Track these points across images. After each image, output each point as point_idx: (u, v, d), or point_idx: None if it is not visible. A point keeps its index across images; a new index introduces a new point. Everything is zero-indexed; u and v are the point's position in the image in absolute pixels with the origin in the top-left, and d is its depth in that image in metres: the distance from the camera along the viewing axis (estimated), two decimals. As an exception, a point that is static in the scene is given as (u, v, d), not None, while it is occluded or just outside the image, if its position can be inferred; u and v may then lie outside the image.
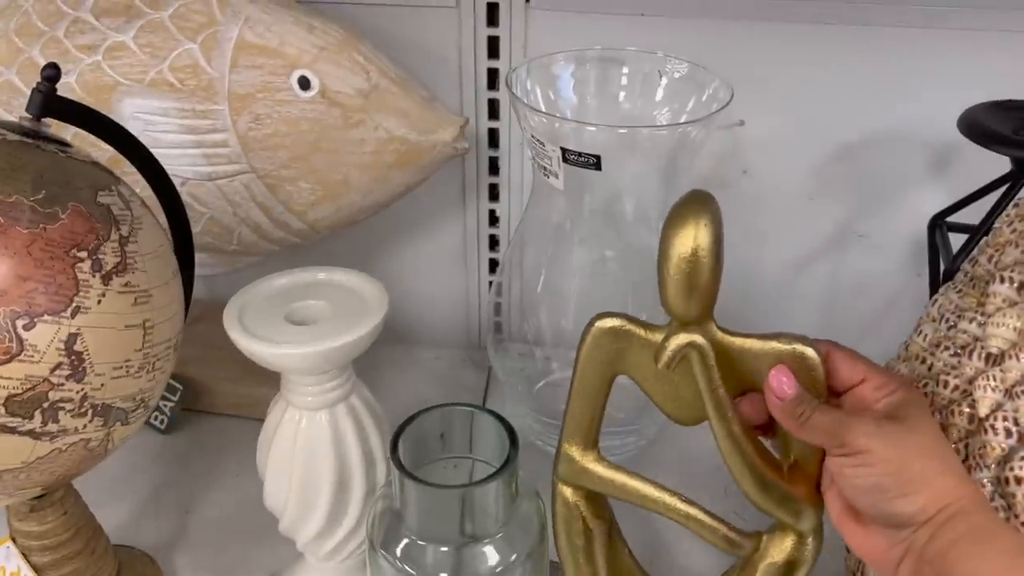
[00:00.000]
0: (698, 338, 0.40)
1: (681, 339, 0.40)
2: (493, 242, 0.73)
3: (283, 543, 0.58)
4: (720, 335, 0.40)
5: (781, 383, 0.39)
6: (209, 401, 0.68)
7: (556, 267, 0.61)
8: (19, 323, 0.35)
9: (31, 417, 0.36)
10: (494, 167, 0.69)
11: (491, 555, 0.42)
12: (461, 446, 0.45)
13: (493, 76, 0.65)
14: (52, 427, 0.37)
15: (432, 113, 0.58)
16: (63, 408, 0.37)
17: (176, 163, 0.59)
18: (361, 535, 0.48)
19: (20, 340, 0.35)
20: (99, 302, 0.37)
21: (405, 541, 0.42)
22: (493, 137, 0.68)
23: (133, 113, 0.58)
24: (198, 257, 0.55)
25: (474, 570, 0.42)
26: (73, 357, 0.37)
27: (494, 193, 0.70)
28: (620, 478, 0.43)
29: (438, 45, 0.63)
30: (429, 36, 0.63)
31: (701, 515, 0.42)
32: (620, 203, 0.58)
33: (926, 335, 0.42)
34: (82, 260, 0.37)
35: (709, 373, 0.40)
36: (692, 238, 0.37)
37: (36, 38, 0.58)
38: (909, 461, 0.36)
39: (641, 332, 0.41)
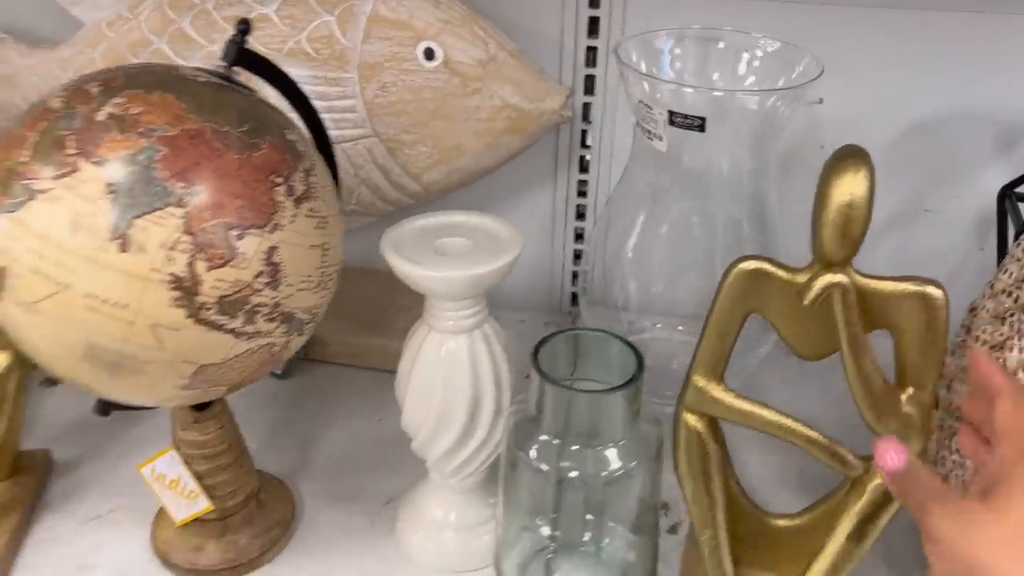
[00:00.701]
0: (843, 278, 0.44)
1: (828, 279, 0.44)
2: (580, 212, 0.78)
3: (396, 475, 0.64)
4: (857, 277, 0.45)
5: (889, 457, 0.37)
6: (321, 351, 0.74)
7: (648, 232, 0.66)
8: (232, 233, 0.41)
9: (235, 317, 0.42)
10: (586, 141, 0.74)
11: (613, 459, 0.47)
12: (586, 369, 0.50)
13: (591, 54, 0.70)
14: (249, 328, 0.43)
15: (542, 83, 0.64)
16: (259, 312, 0.43)
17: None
18: (485, 453, 0.54)
19: (233, 248, 0.41)
20: (291, 222, 0.43)
21: (540, 440, 0.47)
22: (586, 112, 0.73)
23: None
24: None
25: (597, 469, 0.47)
26: (271, 267, 0.42)
27: (584, 165, 0.76)
28: (747, 406, 0.48)
29: (541, 24, 0.69)
30: (533, 16, 0.68)
31: (820, 438, 0.47)
32: (711, 171, 0.63)
33: (1011, 272, 0.47)
34: (278, 184, 0.43)
35: (848, 312, 0.44)
36: (850, 187, 0.42)
37: (187, 10, 0.64)
38: (983, 559, 0.31)
39: (782, 273, 0.46)
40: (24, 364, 0.55)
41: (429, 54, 0.62)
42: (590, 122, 0.73)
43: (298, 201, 0.44)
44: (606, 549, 0.54)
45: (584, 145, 0.75)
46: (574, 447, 0.47)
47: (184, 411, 0.53)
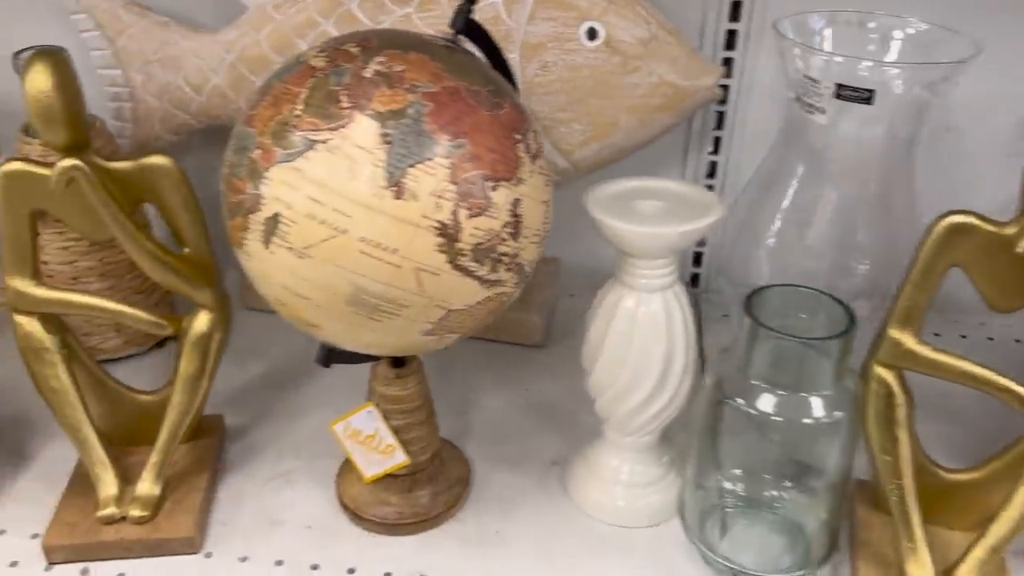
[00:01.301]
0: None
1: None
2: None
3: (554, 440, 0.67)
4: None
5: None
6: (461, 325, 0.76)
7: (793, 210, 0.69)
8: (488, 184, 0.43)
9: (483, 264, 0.44)
10: (719, 122, 0.77)
11: (817, 407, 0.50)
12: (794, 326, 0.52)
13: (731, 37, 0.73)
14: (492, 276, 0.45)
15: (697, 61, 0.66)
16: (502, 261, 0.45)
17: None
18: (671, 409, 0.56)
19: (488, 198, 0.43)
20: (530, 176, 0.46)
21: (749, 385, 0.50)
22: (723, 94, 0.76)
23: (432, 60, 0.67)
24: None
25: (802, 416, 0.50)
26: (515, 218, 0.45)
27: (716, 146, 0.78)
28: (944, 358, 0.51)
29: (682, 8, 0.71)
30: (676, 0, 0.71)
31: (1017, 387, 0.50)
32: (864, 147, 0.65)
33: None
34: (519, 141, 0.45)
35: None
36: None
37: (357, -8, 0.67)
38: None
39: (990, 227, 0.48)
40: (227, 323, 0.57)
41: (592, 34, 0.65)
42: (725, 104, 0.76)
43: (533, 158, 0.46)
44: (786, 506, 0.56)
45: (717, 127, 0.77)
46: (781, 392, 0.50)
47: (385, 367, 0.55)
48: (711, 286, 0.86)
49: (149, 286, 0.72)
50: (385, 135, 0.42)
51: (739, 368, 0.50)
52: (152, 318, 0.55)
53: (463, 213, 0.43)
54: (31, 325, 0.55)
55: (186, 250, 0.55)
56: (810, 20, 0.66)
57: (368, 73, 0.43)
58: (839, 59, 0.60)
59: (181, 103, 0.73)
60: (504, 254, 0.45)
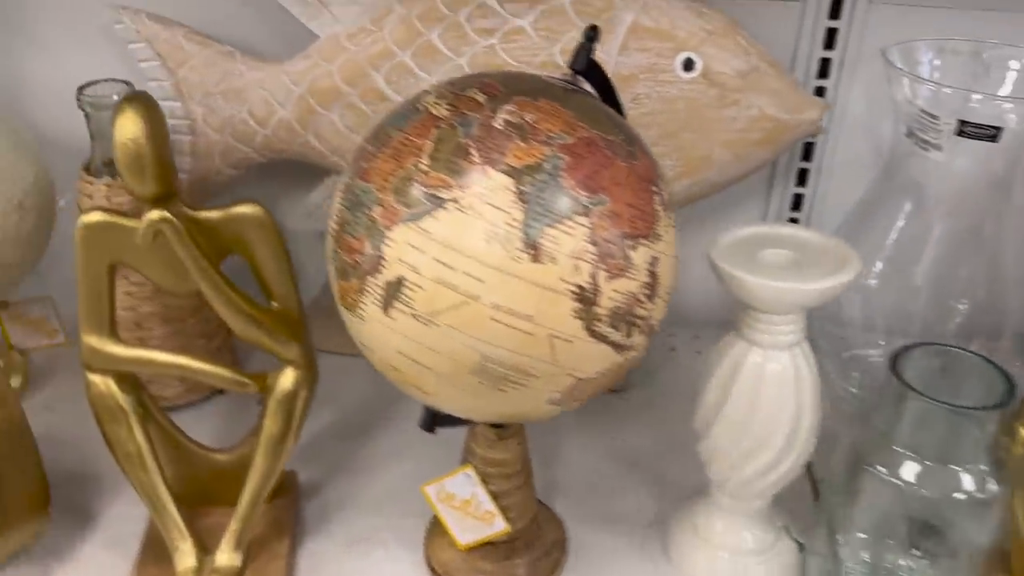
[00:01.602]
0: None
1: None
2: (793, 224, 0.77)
3: (650, 495, 0.63)
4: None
5: None
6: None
7: (900, 247, 0.65)
8: (627, 243, 0.40)
9: (619, 329, 0.41)
10: (806, 154, 0.73)
11: (967, 481, 0.46)
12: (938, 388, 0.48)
13: (824, 66, 0.70)
14: (626, 341, 0.41)
15: (800, 94, 0.63)
16: (637, 324, 0.41)
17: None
18: (793, 474, 0.52)
19: (628, 258, 0.40)
20: (666, 232, 0.42)
21: (892, 453, 0.46)
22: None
23: (516, 92, 0.63)
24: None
25: (951, 489, 0.46)
26: (652, 278, 0.41)
27: (802, 179, 0.75)
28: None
29: (775, 36, 0.68)
30: (767, 28, 0.67)
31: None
32: (973, 183, 0.62)
33: None
34: (655, 193, 0.42)
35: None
36: None
37: (438, 22, 0.63)
38: None
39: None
40: (313, 380, 0.53)
41: (688, 65, 0.61)
42: (814, 135, 0.72)
43: (667, 209, 0.43)
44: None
45: (805, 158, 0.74)
46: (928, 463, 0.46)
47: (487, 428, 0.51)
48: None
49: (212, 329, 0.68)
50: (521, 192, 0.38)
51: (881, 433, 0.47)
52: (236, 376, 0.51)
53: (602, 275, 0.39)
54: (106, 384, 0.51)
55: (274, 303, 0.51)
56: (917, 49, 0.63)
57: (498, 123, 0.39)
58: (976, 97, 0.56)
59: (244, 137, 0.69)
60: (639, 317, 0.41)
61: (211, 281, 0.48)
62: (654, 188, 0.42)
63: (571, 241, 0.38)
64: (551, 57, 0.62)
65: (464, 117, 0.40)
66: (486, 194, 0.38)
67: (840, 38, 0.68)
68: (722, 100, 0.62)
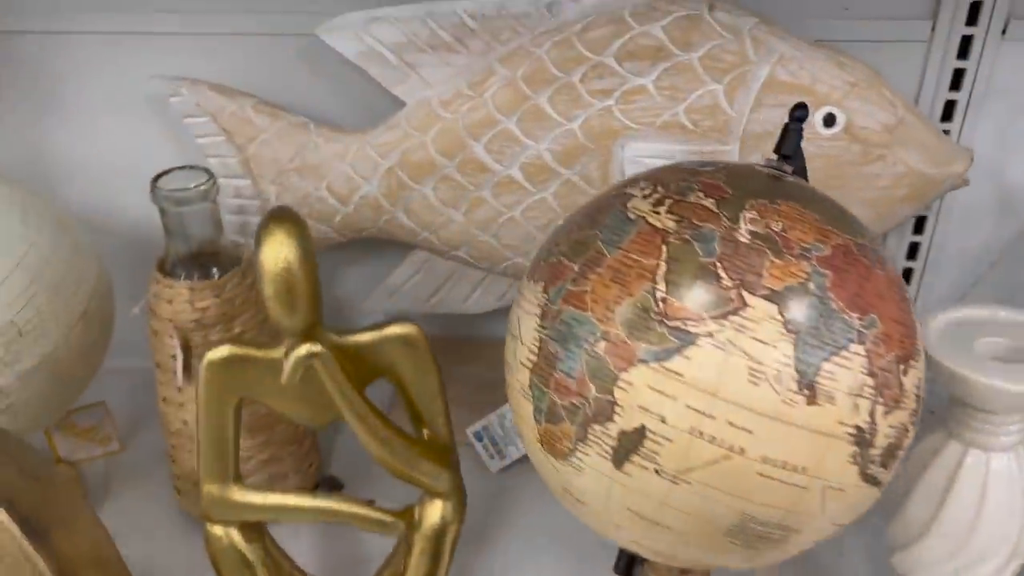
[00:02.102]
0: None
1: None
2: (907, 275, 0.72)
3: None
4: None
5: None
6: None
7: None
8: (900, 368, 0.34)
9: (888, 468, 0.35)
10: (926, 199, 0.68)
11: None
12: None
13: (948, 108, 0.65)
14: (886, 478, 0.35)
15: (946, 145, 0.58)
16: (897, 457, 0.35)
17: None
18: (1007, 579, 0.47)
19: (901, 385, 0.34)
20: (922, 343, 0.36)
21: None
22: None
23: (634, 157, 0.57)
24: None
25: None
26: (918, 403, 0.35)
27: (919, 227, 0.69)
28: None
29: (898, 77, 0.63)
30: (890, 68, 0.62)
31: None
32: None
33: None
34: (908, 299, 0.36)
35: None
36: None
37: (547, 84, 0.57)
38: None
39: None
40: (462, 512, 0.47)
41: (829, 120, 0.56)
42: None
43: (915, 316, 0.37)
44: None
45: (924, 204, 0.69)
46: None
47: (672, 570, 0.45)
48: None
49: (300, 433, 0.61)
50: (788, 321, 0.32)
51: None
52: (382, 517, 0.44)
53: (879, 410, 0.33)
54: (228, 537, 0.44)
55: (425, 432, 0.44)
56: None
57: (743, 236, 0.33)
58: None
59: (323, 215, 0.62)
60: (901, 448, 0.35)
61: (360, 415, 0.41)
62: (905, 293, 0.36)
63: (849, 375, 0.32)
64: (675, 117, 0.56)
65: (698, 230, 0.33)
66: (748, 326, 0.32)
67: (967, 77, 0.63)
68: (866, 156, 0.56)
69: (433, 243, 0.63)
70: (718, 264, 0.32)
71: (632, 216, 0.35)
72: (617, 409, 0.33)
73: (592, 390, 0.33)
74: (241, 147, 0.61)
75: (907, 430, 0.35)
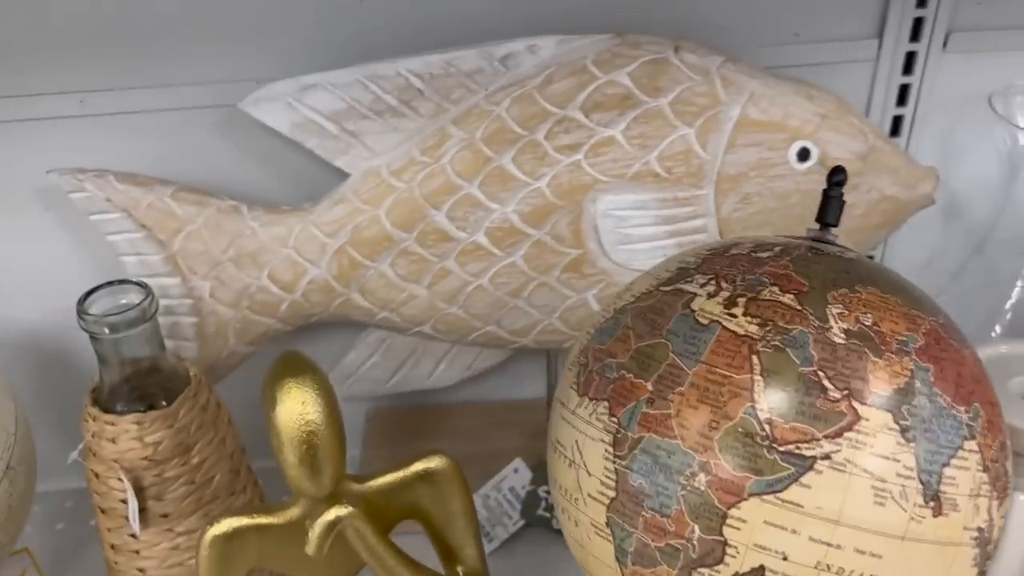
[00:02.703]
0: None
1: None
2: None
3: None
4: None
5: None
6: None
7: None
8: (1003, 454, 0.31)
9: (991, 556, 0.32)
10: (876, 214, 0.68)
11: None
12: None
13: (896, 124, 0.64)
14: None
15: (913, 167, 0.57)
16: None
17: (644, 257, 0.55)
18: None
19: (1007, 471, 0.31)
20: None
21: None
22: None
23: (606, 211, 0.54)
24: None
25: None
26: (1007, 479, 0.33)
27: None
28: None
29: (848, 97, 0.61)
30: (840, 89, 0.61)
31: None
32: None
33: None
34: (988, 377, 0.34)
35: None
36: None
37: (509, 144, 0.52)
38: None
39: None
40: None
41: (803, 155, 0.54)
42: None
43: (990, 386, 0.35)
44: None
45: (875, 220, 0.68)
46: None
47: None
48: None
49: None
50: (904, 429, 0.29)
51: None
52: None
53: (995, 505, 0.31)
54: None
55: (460, 569, 0.39)
56: (1017, 98, 0.59)
57: (837, 336, 0.30)
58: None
59: (266, 307, 0.56)
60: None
61: (392, 571, 0.35)
62: (984, 368, 0.34)
63: (967, 477, 0.30)
64: (647, 166, 0.53)
65: (786, 333, 0.30)
66: (865, 441, 0.28)
67: (912, 92, 0.63)
68: (840, 187, 0.55)
69: (394, 321, 0.57)
70: (820, 373, 0.29)
71: (703, 320, 0.31)
72: (729, 550, 0.29)
73: (695, 530, 0.29)
74: (164, 243, 0.53)
75: (1003, 516, 0.33)
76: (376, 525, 0.35)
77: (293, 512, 0.35)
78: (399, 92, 0.52)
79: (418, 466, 0.36)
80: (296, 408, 0.31)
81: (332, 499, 0.34)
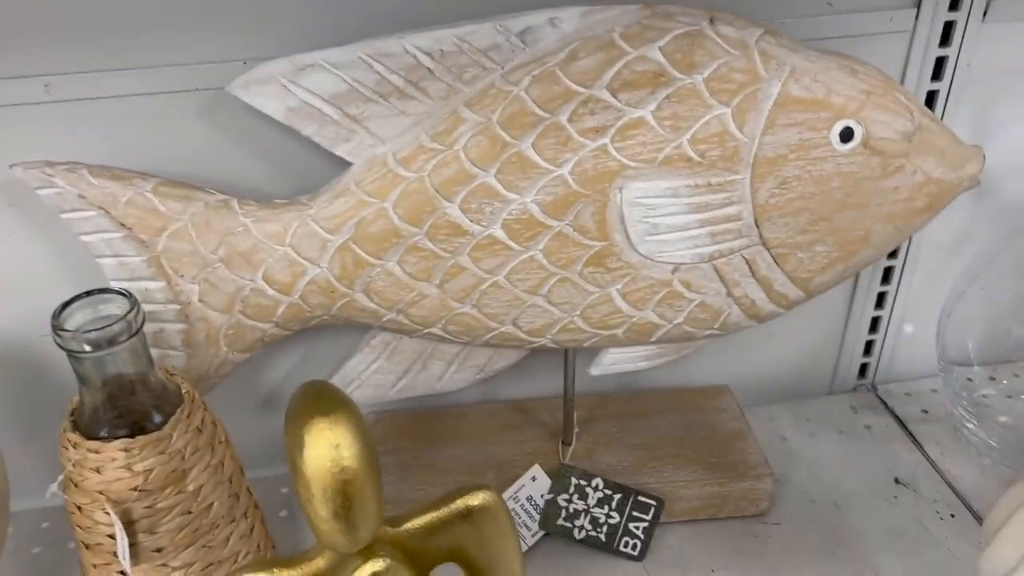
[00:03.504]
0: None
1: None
2: (886, 273, 0.68)
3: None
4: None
5: None
6: (667, 510, 0.59)
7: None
8: None
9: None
10: (907, 195, 0.64)
11: None
12: None
13: (931, 98, 0.60)
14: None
15: (961, 147, 0.53)
16: None
17: (672, 248, 0.51)
18: None
19: None
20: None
21: None
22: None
23: (634, 199, 0.49)
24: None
25: None
26: None
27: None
28: None
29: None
30: (875, 62, 0.57)
31: None
32: None
33: None
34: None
35: None
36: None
37: (530, 128, 0.47)
38: None
39: None
40: None
41: (846, 135, 0.50)
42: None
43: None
44: None
45: (906, 202, 0.64)
46: None
47: None
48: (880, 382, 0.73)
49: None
50: None
51: None
52: None
53: None
54: None
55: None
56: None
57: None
58: None
59: (262, 311, 0.50)
60: None
61: None
62: None
63: None
64: (679, 150, 0.48)
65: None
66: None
67: (948, 65, 0.59)
68: (885, 169, 0.51)
69: (402, 323, 0.52)
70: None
71: None
72: None
73: None
74: (147, 243, 0.48)
75: None
76: (414, 572, 0.30)
77: (319, 564, 0.30)
78: (406, 72, 0.47)
79: (459, 503, 0.32)
80: (329, 453, 0.27)
81: (366, 550, 0.29)
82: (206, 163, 0.52)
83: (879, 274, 0.67)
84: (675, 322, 0.54)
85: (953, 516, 0.60)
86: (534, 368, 0.65)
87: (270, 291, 0.50)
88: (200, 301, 0.50)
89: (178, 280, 0.49)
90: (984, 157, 0.53)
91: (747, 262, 0.52)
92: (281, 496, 0.64)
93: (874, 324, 0.70)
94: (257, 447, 0.65)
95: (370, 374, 0.56)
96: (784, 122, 0.49)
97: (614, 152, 0.48)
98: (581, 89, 0.47)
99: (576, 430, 0.63)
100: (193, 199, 0.48)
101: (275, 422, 0.64)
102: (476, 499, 0.32)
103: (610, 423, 0.65)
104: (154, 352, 0.50)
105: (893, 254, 0.67)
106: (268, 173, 0.53)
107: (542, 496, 0.57)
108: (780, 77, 0.48)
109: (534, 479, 0.58)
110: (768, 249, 0.52)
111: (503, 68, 0.48)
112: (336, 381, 0.56)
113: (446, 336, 0.54)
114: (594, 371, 0.57)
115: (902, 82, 0.59)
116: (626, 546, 0.57)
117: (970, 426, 0.64)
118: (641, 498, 0.57)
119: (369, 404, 0.60)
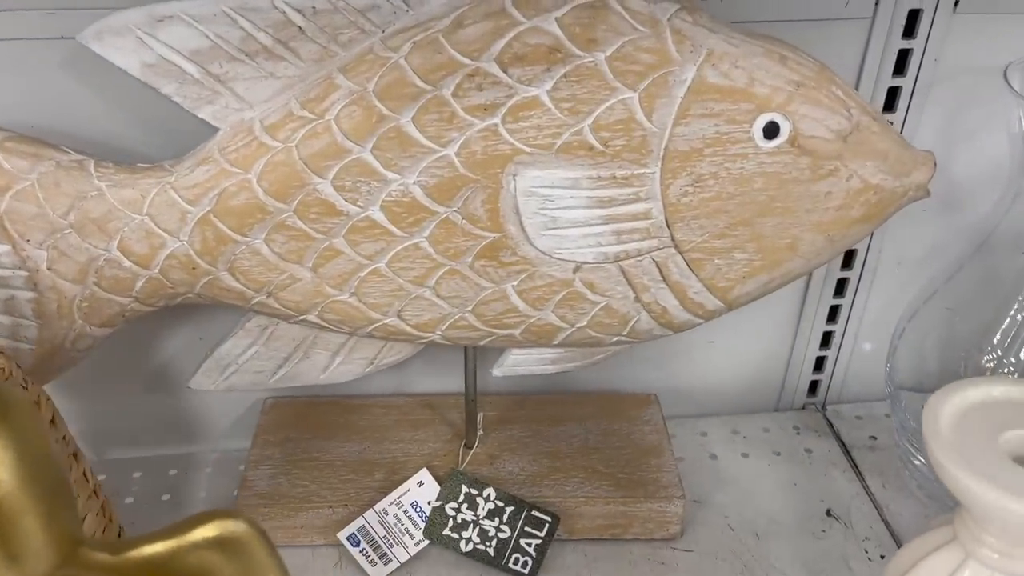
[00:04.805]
0: None
1: None
2: (840, 286, 0.62)
3: None
4: None
5: None
6: (569, 527, 0.55)
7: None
8: None
9: None
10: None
11: None
12: None
13: (892, 96, 0.54)
14: None
15: (907, 152, 0.47)
16: None
17: (574, 246, 0.46)
18: None
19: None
20: None
21: None
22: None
23: (530, 188, 0.44)
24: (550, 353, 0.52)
25: None
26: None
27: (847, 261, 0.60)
28: None
29: (836, 61, 0.52)
30: (828, 51, 0.51)
31: None
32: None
33: None
34: None
35: None
36: None
37: (410, 100, 0.42)
38: None
39: None
40: None
41: (771, 130, 0.44)
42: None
43: None
44: None
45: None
46: None
47: None
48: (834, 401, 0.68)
49: None
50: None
51: None
52: None
53: None
54: None
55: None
56: (1038, 75, 0.49)
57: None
58: None
59: (119, 284, 0.46)
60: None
61: None
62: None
63: None
64: (579, 136, 0.43)
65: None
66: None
67: (913, 59, 0.53)
68: (815, 172, 0.45)
69: (273, 307, 0.48)
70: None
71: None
72: None
73: None
74: (-11, 202, 0.44)
75: None
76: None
77: None
78: (275, 29, 0.42)
79: (206, 531, 0.27)
80: None
81: None
82: (72, 119, 0.48)
83: (831, 285, 0.62)
84: (578, 325, 0.49)
85: (883, 557, 0.55)
86: (453, 361, 0.60)
87: (126, 263, 0.46)
88: (49, 269, 0.46)
89: (24, 245, 0.45)
90: (935, 164, 0.47)
91: (658, 266, 0.47)
92: (168, 478, 0.60)
93: (827, 339, 0.65)
94: (144, 425, 0.62)
95: (247, 359, 0.52)
96: (699, 112, 0.43)
97: (505, 134, 0.43)
98: (467, 60, 0.42)
99: (481, 432, 0.58)
100: (43, 157, 0.44)
101: (167, 400, 0.61)
102: (228, 526, 0.27)
103: (521, 427, 0.60)
104: (6, 320, 0.47)
105: (847, 264, 0.61)
106: (138, 135, 0.48)
107: (428, 503, 0.53)
108: (695, 61, 0.43)
109: (421, 484, 0.54)
110: (681, 253, 0.47)
111: (383, 31, 0.43)
112: (211, 364, 0.52)
113: (325, 325, 0.49)
114: (496, 372, 0.53)
115: (858, 76, 0.53)
116: (516, 563, 0.53)
117: (916, 462, 0.58)
118: (535, 513, 0.53)
119: (249, 391, 0.56)
